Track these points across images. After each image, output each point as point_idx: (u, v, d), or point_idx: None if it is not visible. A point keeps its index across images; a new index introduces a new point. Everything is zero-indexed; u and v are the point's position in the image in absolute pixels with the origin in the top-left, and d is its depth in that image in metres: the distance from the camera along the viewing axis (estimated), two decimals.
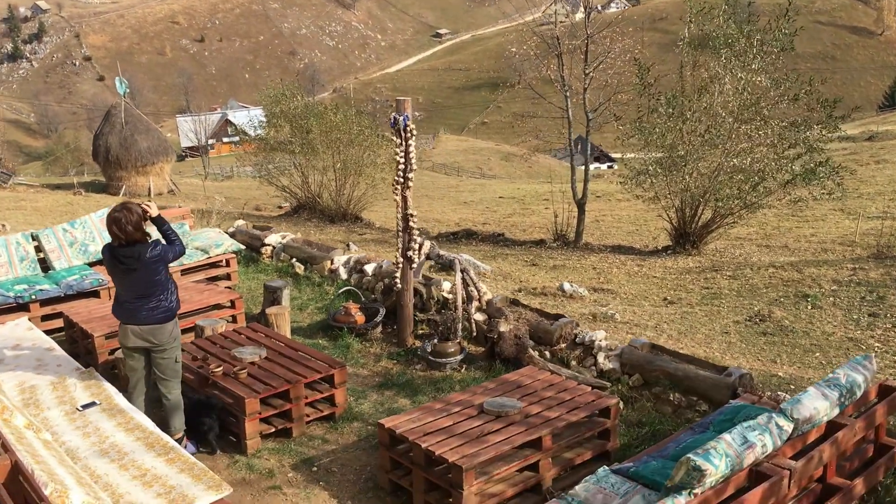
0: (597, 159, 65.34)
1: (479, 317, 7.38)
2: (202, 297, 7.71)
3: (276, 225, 13.22)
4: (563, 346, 6.78)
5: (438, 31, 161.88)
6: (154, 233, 5.48)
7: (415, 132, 6.85)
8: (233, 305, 7.78)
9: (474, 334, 7.33)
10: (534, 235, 16.36)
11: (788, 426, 3.96)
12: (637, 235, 15.97)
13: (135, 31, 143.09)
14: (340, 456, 5.73)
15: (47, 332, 7.74)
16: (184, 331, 7.33)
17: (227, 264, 9.02)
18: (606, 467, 4.30)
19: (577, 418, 5.23)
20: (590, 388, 5.61)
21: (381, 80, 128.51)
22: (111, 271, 5.37)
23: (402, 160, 6.88)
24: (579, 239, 14.59)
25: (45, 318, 7.76)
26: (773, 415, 4.00)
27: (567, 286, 9.12)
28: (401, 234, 7.08)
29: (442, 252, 7.72)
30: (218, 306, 7.79)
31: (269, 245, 10.15)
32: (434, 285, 7.84)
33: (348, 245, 10.42)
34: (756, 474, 3.79)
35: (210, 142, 78.49)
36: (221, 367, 6.05)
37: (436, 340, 7.01)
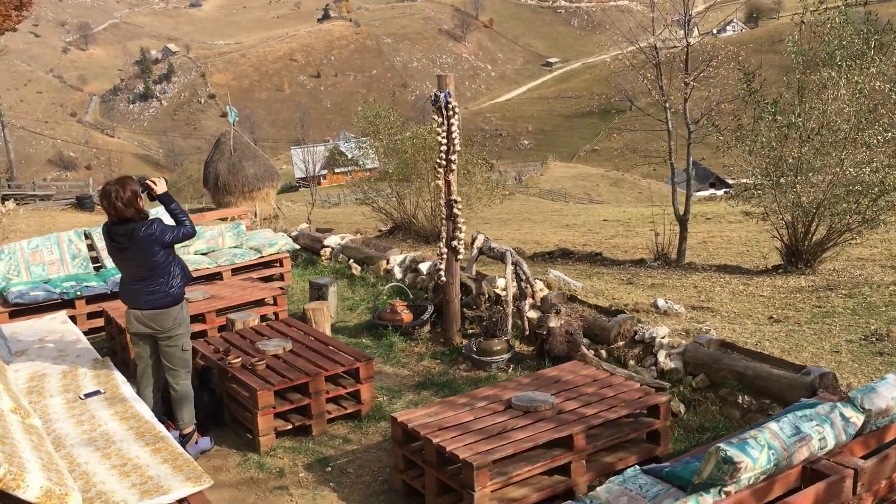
0: (712, 185, 63.03)
1: (532, 315, 6.71)
2: (243, 294, 7.38)
3: None
4: (620, 344, 6.03)
5: (548, 60, 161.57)
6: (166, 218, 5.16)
7: (457, 110, 6.32)
8: (275, 302, 7.42)
9: (526, 333, 6.67)
10: (634, 256, 15.47)
11: (858, 418, 3.14)
12: (747, 256, 14.80)
13: (256, 69, 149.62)
14: (360, 457, 5.18)
15: (92, 330, 7.63)
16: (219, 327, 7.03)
17: (281, 264, 8.71)
18: (637, 467, 3.57)
19: (618, 416, 4.50)
20: (637, 385, 4.85)
21: (491, 110, 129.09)
22: (108, 250, 5.06)
23: (445, 141, 6.35)
24: (681, 258, 13.56)
25: (90, 315, 7.62)
26: (839, 405, 3.19)
27: (661, 302, 8.28)
28: (444, 221, 6.54)
29: (494, 244, 7.10)
30: (261, 303, 7.45)
31: (328, 247, 9.82)
32: (486, 281, 7.23)
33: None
34: (811, 473, 2.99)
35: (322, 172, 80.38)
36: (240, 359, 5.64)
37: (481, 338, 6.40)
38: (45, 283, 7.78)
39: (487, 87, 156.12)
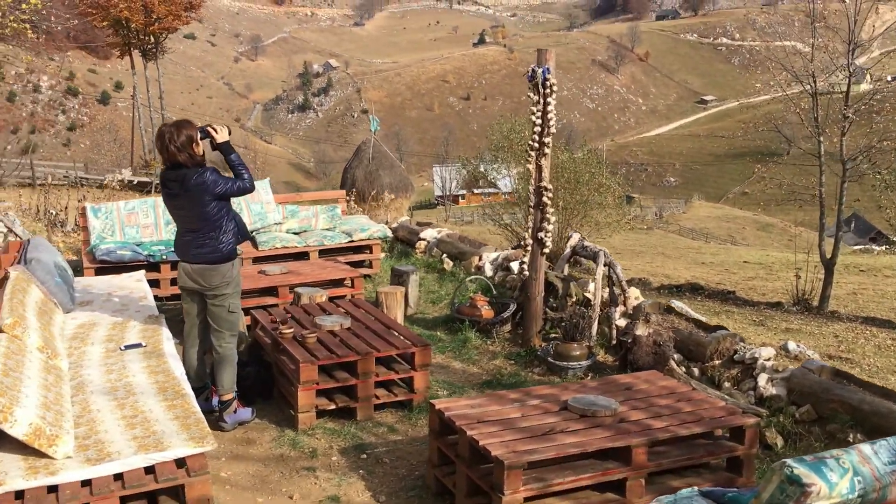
0: (872, 239, 58.62)
1: (622, 323, 6.02)
2: (321, 273, 7.07)
3: None
4: (716, 362, 5.24)
5: (703, 97, 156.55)
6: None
7: (555, 87, 5.76)
8: (353, 285, 7.06)
9: (613, 342, 5.97)
10: (771, 299, 14.23)
11: None
12: None
13: (408, 88, 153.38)
14: (401, 448, 4.69)
15: (175, 296, 7.53)
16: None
17: (371, 250, 8.37)
18: (695, 488, 2.89)
19: (691, 433, 3.79)
20: (722, 403, 4.11)
21: (638, 144, 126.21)
22: (163, 198, 4.83)
23: (539, 121, 5.80)
24: (824, 304, 12.21)
25: (174, 281, 7.52)
26: None
27: (793, 346, 7.32)
28: (531, 210, 5.97)
29: (587, 243, 6.47)
30: (339, 284, 7.11)
31: (423, 240, 9.43)
32: (575, 283, 6.58)
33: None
34: None
35: (461, 192, 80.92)
36: (292, 330, 5.28)
37: (560, 340, 5.77)
38: (137, 245, 7.79)
39: (637, 121, 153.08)
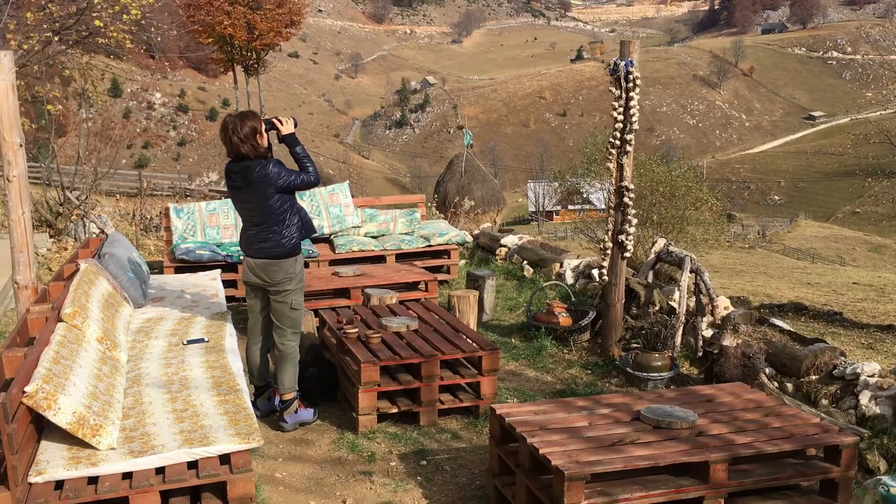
0: None
1: (708, 333, 5.60)
2: (395, 276, 6.92)
3: None
4: (813, 378, 4.77)
5: (811, 113, 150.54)
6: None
7: (639, 82, 5.42)
8: (427, 289, 6.88)
9: (699, 354, 5.56)
10: (883, 321, 13.29)
11: None
12: None
13: (504, 105, 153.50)
14: (463, 456, 4.44)
15: None
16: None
17: (449, 256, 8.17)
18: None
19: (779, 450, 3.40)
20: (816, 420, 3.68)
21: (740, 161, 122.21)
22: (228, 190, 4.75)
23: (621, 117, 5.48)
24: None
25: None
26: None
27: None
28: (611, 212, 5.64)
29: (673, 248, 6.07)
30: (413, 288, 6.94)
31: (504, 246, 9.15)
32: (659, 290, 6.19)
33: None
34: None
35: (556, 208, 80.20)
36: (356, 330, 5.12)
37: (641, 350, 5.40)
38: (217, 245, 7.84)
39: (739, 137, 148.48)
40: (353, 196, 8.58)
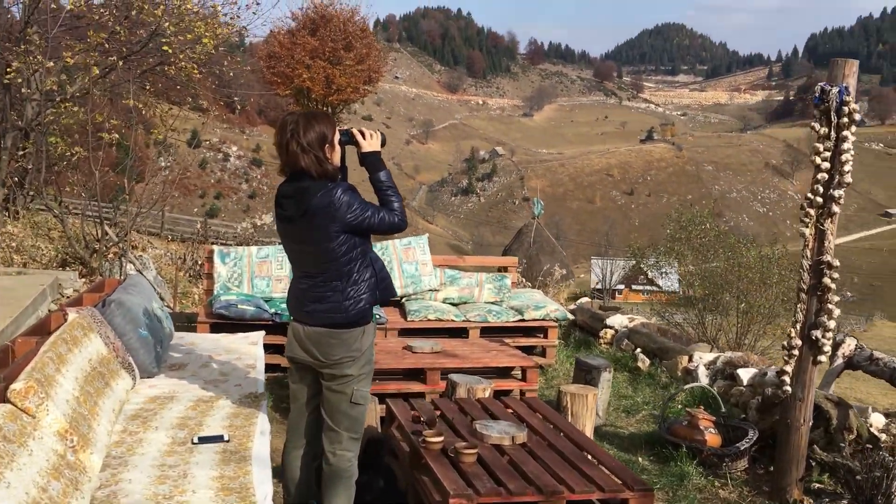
0: None
1: None
2: (484, 357, 5.39)
3: None
4: None
5: (888, 210, 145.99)
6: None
7: (857, 116, 3.89)
8: (524, 377, 5.32)
9: None
10: None
11: None
12: None
13: (571, 179, 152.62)
14: None
15: None
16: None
17: (545, 335, 6.61)
18: None
19: None
20: None
21: None
22: (276, 221, 3.32)
23: (827, 164, 3.93)
24: None
25: None
26: None
27: None
28: (801, 296, 4.04)
29: (879, 354, 4.43)
30: (506, 375, 5.40)
31: (610, 328, 7.53)
32: (855, 410, 4.50)
33: None
34: None
35: (619, 286, 78.07)
36: (442, 438, 3.58)
37: (844, 502, 3.73)
38: (265, 300, 6.44)
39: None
40: (431, 253, 7.14)
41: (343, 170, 3.31)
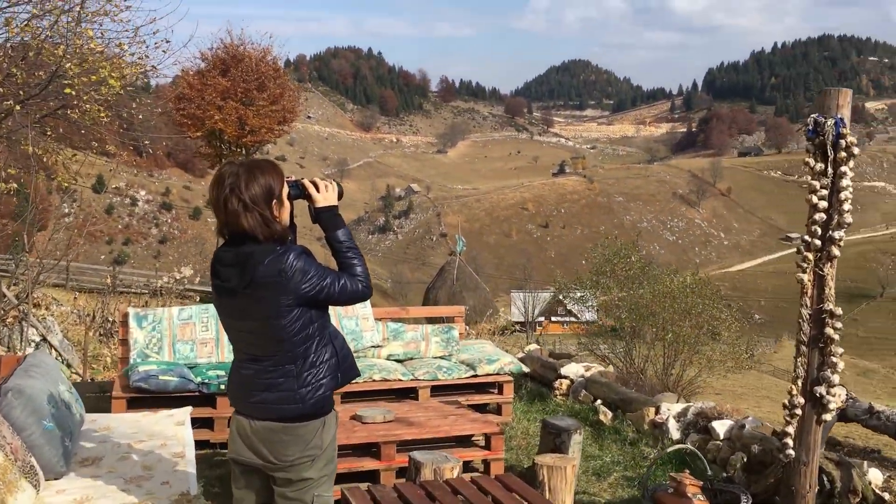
0: None
1: None
2: (443, 424, 4.84)
3: None
4: None
5: (789, 234, 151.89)
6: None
7: (856, 150, 3.57)
8: (488, 445, 4.79)
9: None
10: None
11: None
12: None
13: (487, 214, 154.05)
14: None
15: None
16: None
17: (500, 390, 6.12)
18: None
19: None
20: None
21: (720, 279, 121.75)
22: (214, 294, 2.73)
23: (825, 203, 3.59)
24: None
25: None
26: None
27: None
28: (801, 348, 3.67)
29: (880, 407, 4.10)
30: (467, 442, 4.86)
31: (566, 378, 7.09)
32: (857, 469, 4.15)
33: None
34: None
35: (539, 318, 78.76)
36: None
37: None
38: (190, 367, 5.74)
39: (718, 255, 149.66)
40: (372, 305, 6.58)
41: (293, 229, 2.77)
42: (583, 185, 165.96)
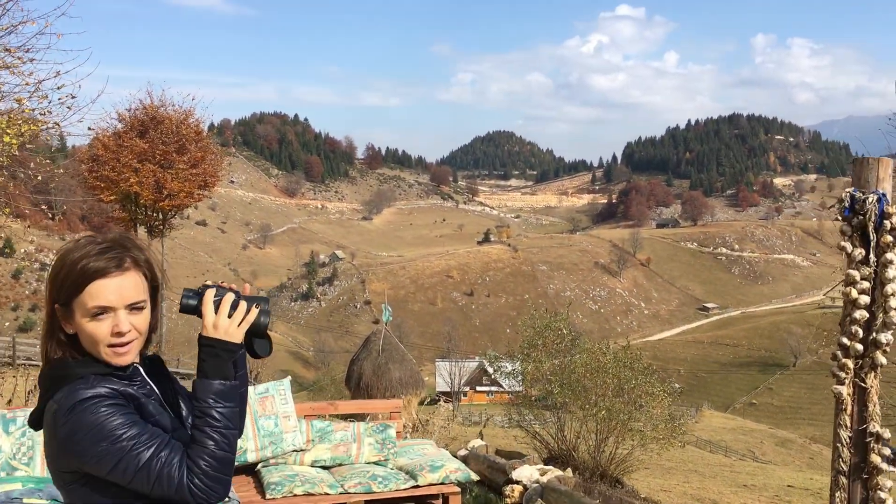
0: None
1: None
2: None
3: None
4: None
5: (706, 304, 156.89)
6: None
7: None
8: None
9: None
10: None
11: None
12: None
13: (412, 282, 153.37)
14: None
15: None
16: None
17: (445, 503, 5.19)
18: None
19: None
20: None
21: (642, 348, 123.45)
22: None
23: (867, 299, 2.89)
24: None
25: None
26: None
27: None
28: (843, 479, 2.92)
29: None
30: None
31: (518, 483, 6.20)
32: None
33: None
34: None
35: (465, 389, 77.82)
36: None
37: None
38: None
39: (639, 324, 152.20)
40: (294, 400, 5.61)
41: (262, 348, 1.85)
42: (507, 254, 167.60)
